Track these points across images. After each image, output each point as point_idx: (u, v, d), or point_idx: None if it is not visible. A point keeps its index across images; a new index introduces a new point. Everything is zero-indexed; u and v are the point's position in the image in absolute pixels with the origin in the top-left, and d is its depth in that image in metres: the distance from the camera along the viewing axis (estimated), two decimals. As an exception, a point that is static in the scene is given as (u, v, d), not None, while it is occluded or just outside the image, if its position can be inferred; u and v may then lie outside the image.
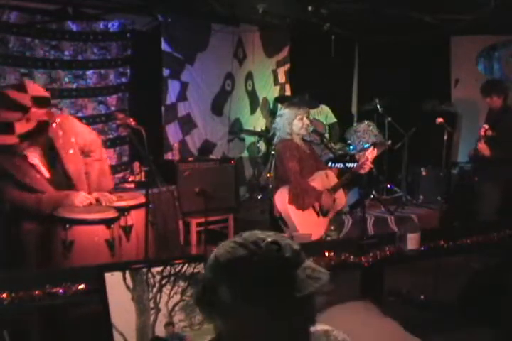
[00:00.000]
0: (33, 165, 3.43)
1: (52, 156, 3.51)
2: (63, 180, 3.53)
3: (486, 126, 5.24)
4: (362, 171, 4.39)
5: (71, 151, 3.57)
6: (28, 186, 3.39)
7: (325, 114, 7.34)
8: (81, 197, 3.47)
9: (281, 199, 4.20)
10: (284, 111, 4.38)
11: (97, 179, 3.73)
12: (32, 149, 3.43)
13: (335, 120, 7.37)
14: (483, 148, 5.27)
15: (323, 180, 4.31)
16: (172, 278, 2.43)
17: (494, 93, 5.50)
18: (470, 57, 8.09)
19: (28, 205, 3.39)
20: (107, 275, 2.33)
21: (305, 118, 4.30)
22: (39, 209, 3.38)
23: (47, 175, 3.49)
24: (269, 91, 7.93)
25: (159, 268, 2.42)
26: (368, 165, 4.36)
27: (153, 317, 2.35)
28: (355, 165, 6.43)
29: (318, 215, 4.26)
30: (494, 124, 5.30)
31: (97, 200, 3.59)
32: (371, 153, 4.41)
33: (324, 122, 7.19)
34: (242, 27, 7.16)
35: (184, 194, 5.66)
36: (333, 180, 4.36)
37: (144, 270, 2.39)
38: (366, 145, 6.93)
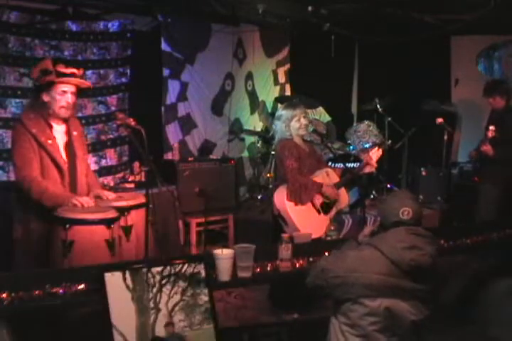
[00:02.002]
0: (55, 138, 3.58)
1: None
2: (72, 170, 3.62)
3: (493, 128, 5.22)
4: (366, 170, 4.40)
5: (82, 141, 3.77)
6: (48, 150, 3.49)
7: (319, 114, 7.35)
8: (84, 201, 3.47)
9: (280, 196, 4.20)
10: (282, 113, 4.39)
11: (91, 179, 3.84)
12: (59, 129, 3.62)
13: (329, 118, 7.38)
14: (488, 149, 5.26)
15: (324, 178, 4.31)
16: (172, 278, 2.43)
17: (497, 93, 5.49)
18: (470, 57, 8.09)
19: (34, 191, 3.42)
20: (107, 275, 2.33)
21: (302, 119, 4.30)
22: (41, 199, 3.41)
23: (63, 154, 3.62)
24: (269, 92, 7.93)
25: (159, 268, 2.42)
26: (371, 165, 4.38)
27: (153, 317, 2.36)
28: (355, 165, 6.46)
29: (318, 213, 4.25)
30: (498, 125, 5.30)
31: (98, 197, 3.63)
32: (375, 153, 4.42)
33: None
34: (242, 27, 7.15)
35: (184, 194, 5.65)
36: (334, 178, 4.36)
37: (144, 270, 2.40)
38: (366, 145, 6.93)
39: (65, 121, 3.67)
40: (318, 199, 4.24)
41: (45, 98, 3.56)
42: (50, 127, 3.59)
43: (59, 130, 3.64)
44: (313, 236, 3.83)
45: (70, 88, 3.60)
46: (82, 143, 3.79)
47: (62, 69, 3.58)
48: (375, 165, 4.45)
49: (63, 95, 3.56)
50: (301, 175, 4.23)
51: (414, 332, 2.46)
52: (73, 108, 3.69)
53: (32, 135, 3.48)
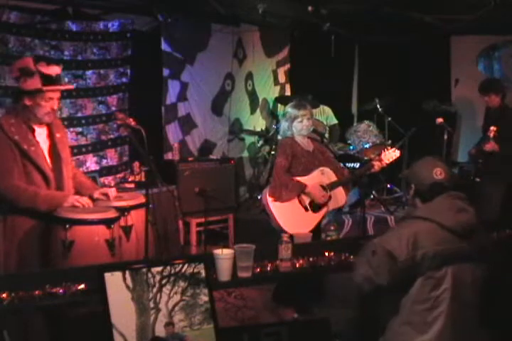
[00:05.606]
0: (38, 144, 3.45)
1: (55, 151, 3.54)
2: (58, 174, 3.52)
3: (494, 128, 5.22)
4: (372, 170, 4.40)
5: (66, 143, 3.67)
6: (31, 157, 3.36)
7: (326, 115, 7.36)
8: (84, 202, 3.46)
9: (265, 192, 4.26)
10: (287, 111, 4.42)
11: (86, 180, 3.81)
12: (41, 131, 3.49)
13: (336, 121, 7.39)
14: (492, 146, 5.25)
15: (319, 176, 4.30)
16: (172, 278, 2.43)
17: (492, 91, 5.50)
18: (470, 57, 8.09)
19: (23, 199, 3.33)
20: (107, 275, 2.33)
21: (305, 121, 4.30)
22: (34, 204, 3.33)
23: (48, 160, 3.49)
24: (269, 92, 7.94)
25: (159, 268, 2.42)
26: (378, 167, 4.36)
27: (153, 317, 2.35)
28: (355, 165, 6.46)
29: (306, 210, 4.24)
30: (495, 123, 5.30)
31: (105, 195, 3.61)
32: (390, 154, 4.38)
33: (325, 123, 7.21)
34: (242, 27, 7.16)
35: (184, 194, 5.66)
36: (330, 177, 4.35)
37: (144, 270, 2.40)
38: (366, 146, 6.93)
39: (48, 123, 3.54)
40: (307, 198, 4.24)
41: (28, 102, 3.39)
42: (32, 131, 3.44)
43: (41, 133, 3.50)
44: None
45: (56, 94, 3.46)
46: (66, 145, 3.65)
47: (44, 68, 3.39)
48: (383, 166, 4.41)
49: (49, 101, 3.42)
50: (293, 173, 4.23)
51: (477, 292, 2.57)
52: (56, 112, 3.55)
53: (14, 142, 3.33)
